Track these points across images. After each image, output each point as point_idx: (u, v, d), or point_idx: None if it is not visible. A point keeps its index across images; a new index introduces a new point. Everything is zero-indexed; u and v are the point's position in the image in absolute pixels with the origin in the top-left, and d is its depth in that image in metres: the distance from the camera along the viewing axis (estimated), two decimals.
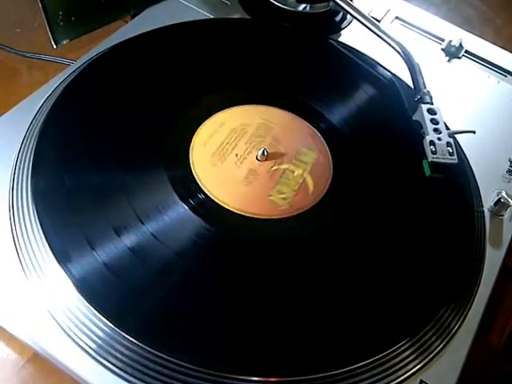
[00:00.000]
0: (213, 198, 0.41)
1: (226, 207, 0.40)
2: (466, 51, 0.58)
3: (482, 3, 0.86)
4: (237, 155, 0.44)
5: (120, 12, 0.55)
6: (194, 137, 0.44)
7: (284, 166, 0.44)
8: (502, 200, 0.43)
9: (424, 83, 0.48)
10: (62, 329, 0.35)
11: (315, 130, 0.47)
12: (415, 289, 0.39)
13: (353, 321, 0.36)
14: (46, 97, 0.45)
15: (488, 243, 0.42)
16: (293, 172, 0.43)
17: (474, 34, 0.61)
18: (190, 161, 0.43)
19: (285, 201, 0.42)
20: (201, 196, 0.41)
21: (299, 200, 0.42)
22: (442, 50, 0.58)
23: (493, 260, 0.42)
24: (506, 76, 0.57)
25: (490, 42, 0.61)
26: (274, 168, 0.43)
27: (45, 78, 0.49)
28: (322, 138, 0.46)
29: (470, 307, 0.39)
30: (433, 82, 0.50)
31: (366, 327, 0.36)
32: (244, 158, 0.44)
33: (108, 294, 0.35)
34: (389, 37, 0.51)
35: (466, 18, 0.82)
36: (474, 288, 0.40)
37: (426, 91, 0.47)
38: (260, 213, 0.41)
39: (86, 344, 0.34)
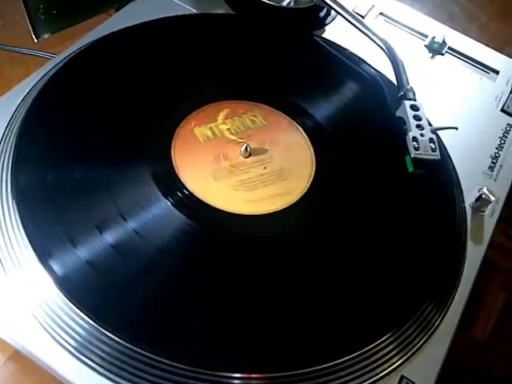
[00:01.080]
0: (195, 194, 0.40)
1: (209, 203, 0.40)
2: (450, 48, 0.58)
3: (467, 0, 0.86)
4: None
5: (103, 6, 0.54)
6: (177, 133, 0.44)
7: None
8: (483, 196, 0.44)
9: (407, 79, 0.48)
10: (43, 326, 0.34)
11: (298, 125, 0.47)
12: (397, 284, 0.39)
13: (334, 317, 0.37)
14: (26, 92, 0.45)
15: (469, 239, 0.43)
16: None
17: (459, 31, 0.62)
18: (173, 157, 0.42)
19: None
20: (183, 192, 0.40)
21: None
22: (426, 46, 0.58)
23: (474, 255, 0.42)
24: (488, 73, 0.57)
25: (474, 38, 0.62)
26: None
27: (26, 72, 0.49)
28: (304, 133, 0.46)
29: (451, 302, 0.39)
30: (416, 79, 0.51)
31: (347, 323, 0.36)
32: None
33: (89, 290, 0.35)
34: (372, 33, 0.51)
35: (451, 15, 0.82)
36: (455, 283, 0.40)
37: (409, 87, 0.47)
38: (243, 210, 0.40)
39: (67, 342, 0.34)
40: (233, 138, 0.45)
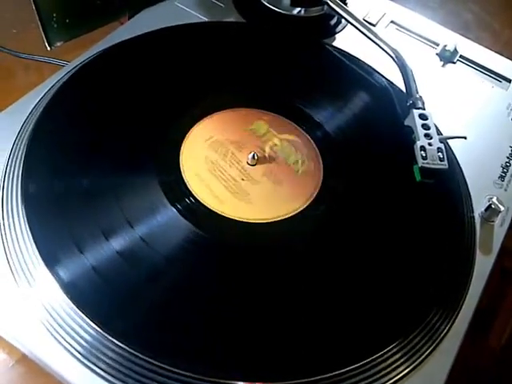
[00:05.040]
0: (203, 202, 0.41)
1: (217, 212, 0.40)
2: (461, 56, 0.58)
3: (480, 8, 0.86)
4: (228, 159, 0.44)
5: (115, 14, 0.55)
6: (185, 140, 0.44)
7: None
8: (493, 206, 0.43)
9: (416, 88, 0.48)
10: (49, 332, 0.35)
11: (307, 134, 0.47)
12: (405, 293, 0.39)
13: (342, 325, 0.37)
14: (38, 98, 0.45)
15: (478, 249, 0.42)
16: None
17: (471, 39, 0.61)
18: (181, 165, 0.43)
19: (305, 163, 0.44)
20: (191, 200, 0.41)
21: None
22: (437, 54, 0.58)
23: (483, 265, 0.42)
24: (500, 81, 0.57)
25: (486, 46, 0.61)
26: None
27: (40, 79, 0.49)
28: (313, 142, 0.46)
29: (459, 312, 0.39)
30: (427, 87, 0.51)
31: (354, 331, 0.36)
32: (235, 163, 0.44)
33: (96, 297, 0.35)
34: (382, 41, 0.51)
35: (464, 23, 0.82)
36: (463, 293, 0.40)
37: (418, 96, 0.47)
38: (250, 217, 0.41)
39: (74, 348, 0.34)
40: (267, 151, 0.45)
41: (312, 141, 0.47)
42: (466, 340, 0.39)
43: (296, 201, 0.42)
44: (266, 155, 0.45)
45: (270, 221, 0.41)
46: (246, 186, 0.43)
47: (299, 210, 0.42)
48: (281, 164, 0.44)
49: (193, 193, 0.41)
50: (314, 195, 0.43)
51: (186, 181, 0.42)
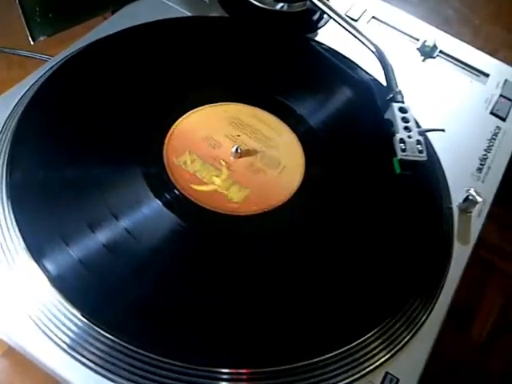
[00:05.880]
0: (186, 194, 0.41)
1: (199, 203, 0.41)
2: (441, 51, 0.59)
3: (461, 3, 0.87)
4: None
5: (99, 9, 0.55)
6: (169, 133, 0.45)
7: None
8: (470, 197, 0.45)
9: (396, 83, 0.49)
10: (36, 324, 0.35)
11: (288, 126, 0.48)
12: (383, 281, 0.40)
13: (320, 312, 0.37)
14: (21, 94, 0.45)
15: (456, 239, 0.44)
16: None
17: (452, 34, 0.62)
18: (164, 157, 0.43)
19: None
20: (175, 192, 0.41)
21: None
22: (418, 49, 0.59)
23: (460, 255, 0.43)
24: (478, 76, 0.58)
25: (467, 41, 0.62)
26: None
27: (24, 74, 0.49)
28: (294, 134, 0.47)
29: (437, 300, 0.40)
30: (407, 81, 0.52)
31: (333, 319, 0.37)
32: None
33: (82, 288, 0.36)
34: (364, 36, 0.52)
35: (445, 18, 0.83)
36: (440, 282, 0.41)
37: (397, 90, 0.48)
38: (233, 210, 0.41)
39: (60, 339, 0.35)
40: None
41: (295, 134, 0.47)
42: (447, 333, 0.40)
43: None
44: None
45: (253, 213, 0.41)
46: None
47: (283, 202, 0.42)
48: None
49: (176, 184, 0.41)
50: (296, 188, 0.43)
51: (169, 172, 0.42)
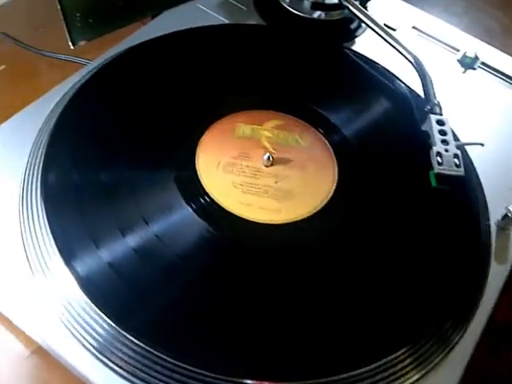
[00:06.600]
0: (218, 202, 0.41)
1: (231, 211, 0.41)
2: (482, 63, 0.58)
3: (504, 14, 0.85)
4: (249, 173, 0.44)
5: (137, 15, 0.56)
6: (202, 140, 0.45)
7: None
8: (509, 215, 0.43)
9: (434, 94, 0.47)
10: (65, 325, 0.35)
11: (323, 137, 0.47)
12: (418, 299, 0.39)
13: (352, 327, 0.37)
14: (61, 96, 0.46)
15: (493, 258, 0.42)
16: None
17: (495, 46, 0.61)
18: (197, 165, 0.43)
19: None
20: (206, 200, 0.41)
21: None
22: (458, 60, 0.58)
23: (497, 274, 0.41)
24: None
25: (510, 53, 0.61)
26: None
27: (63, 77, 0.50)
28: (329, 145, 0.46)
29: (471, 321, 0.39)
30: (446, 93, 0.50)
31: (365, 335, 0.36)
32: (250, 156, 0.44)
33: (111, 293, 0.36)
34: (402, 46, 0.51)
35: (488, 29, 0.81)
36: (476, 303, 0.40)
37: (436, 102, 0.46)
38: (263, 218, 0.41)
39: (88, 342, 0.35)
40: (267, 145, 0.46)
41: (329, 145, 0.47)
42: (487, 352, 0.38)
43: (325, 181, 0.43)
44: (272, 150, 0.45)
45: (281, 222, 0.41)
46: (283, 185, 0.43)
47: (312, 213, 0.42)
48: (289, 149, 0.45)
49: (208, 192, 0.41)
50: (329, 197, 0.43)
51: (202, 180, 0.42)
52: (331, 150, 0.46)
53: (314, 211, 0.42)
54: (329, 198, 0.43)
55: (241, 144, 0.45)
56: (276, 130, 0.46)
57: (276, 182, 0.43)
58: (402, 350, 0.36)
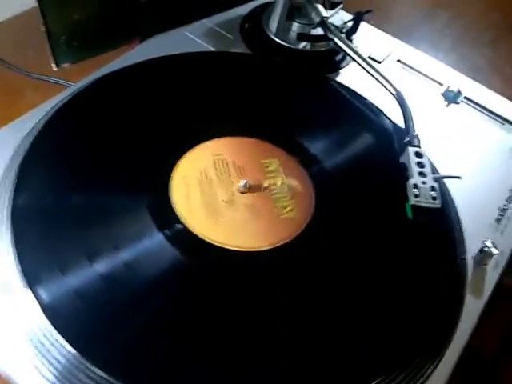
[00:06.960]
0: (191, 229, 0.40)
1: (205, 239, 0.40)
2: (465, 97, 0.58)
3: (492, 51, 0.86)
4: (222, 179, 0.44)
5: (123, 41, 0.56)
6: (177, 166, 0.44)
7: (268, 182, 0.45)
8: (486, 249, 0.43)
9: (413, 127, 0.47)
10: (27, 353, 0.34)
11: (302, 168, 0.47)
12: (389, 332, 0.38)
13: (325, 358, 0.36)
14: (37, 119, 0.46)
15: (468, 292, 0.41)
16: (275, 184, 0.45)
17: (482, 82, 0.61)
18: (170, 191, 0.43)
19: (292, 212, 0.43)
20: (178, 227, 0.40)
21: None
22: (442, 94, 0.58)
23: (472, 308, 0.41)
24: (503, 124, 0.57)
25: (497, 90, 0.61)
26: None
27: (47, 98, 0.51)
28: (307, 175, 0.46)
29: (444, 355, 0.38)
30: (429, 126, 0.51)
31: (336, 366, 0.36)
32: (226, 184, 0.44)
33: (74, 320, 0.35)
34: (385, 78, 0.51)
35: (475, 65, 0.82)
36: (449, 336, 0.39)
37: (414, 134, 0.46)
38: (241, 245, 0.40)
39: (49, 371, 0.34)
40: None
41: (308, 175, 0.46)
42: None
43: (262, 240, 0.41)
44: (261, 189, 0.45)
45: (257, 250, 0.40)
46: (224, 208, 0.42)
47: (289, 240, 0.41)
48: (268, 202, 0.44)
49: (181, 219, 0.41)
50: (283, 242, 0.42)
51: (174, 207, 0.41)
52: (310, 180, 0.46)
53: (288, 240, 0.41)
54: (303, 228, 0.42)
55: (254, 166, 0.46)
56: (286, 187, 0.45)
57: (223, 201, 0.43)
58: (374, 383, 0.35)
